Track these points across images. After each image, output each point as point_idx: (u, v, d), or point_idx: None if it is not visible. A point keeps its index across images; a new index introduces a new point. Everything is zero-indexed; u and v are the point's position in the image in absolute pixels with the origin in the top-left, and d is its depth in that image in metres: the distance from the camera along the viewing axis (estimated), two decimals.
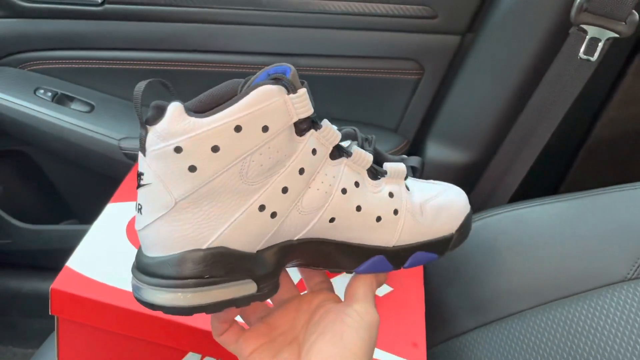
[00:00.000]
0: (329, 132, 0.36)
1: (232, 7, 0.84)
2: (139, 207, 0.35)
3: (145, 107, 0.32)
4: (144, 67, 0.87)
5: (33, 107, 0.85)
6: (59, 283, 0.53)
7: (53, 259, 0.55)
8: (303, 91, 0.34)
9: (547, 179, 0.94)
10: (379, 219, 0.39)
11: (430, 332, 0.62)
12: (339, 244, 0.38)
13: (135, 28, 0.85)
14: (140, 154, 0.34)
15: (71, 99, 0.87)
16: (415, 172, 0.57)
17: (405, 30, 0.84)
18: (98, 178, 0.87)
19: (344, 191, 0.37)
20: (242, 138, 0.32)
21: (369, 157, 0.39)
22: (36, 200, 1.01)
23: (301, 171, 0.35)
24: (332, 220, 0.37)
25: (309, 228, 0.37)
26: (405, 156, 0.59)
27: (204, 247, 0.34)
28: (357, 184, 0.38)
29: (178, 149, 0.32)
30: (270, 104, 0.33)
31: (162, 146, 0.32)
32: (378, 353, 0.55)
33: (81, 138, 0.85)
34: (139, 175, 0.34)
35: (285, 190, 0.35)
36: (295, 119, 0.34)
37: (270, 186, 0.34)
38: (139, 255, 0.36)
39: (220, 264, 0.34)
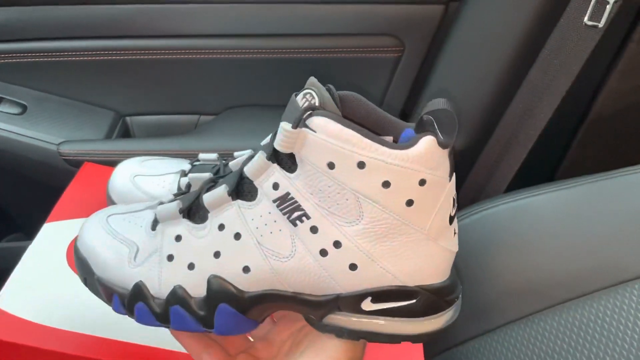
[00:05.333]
0: None
1: None
2: None
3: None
4: (82, 58, 0.82)
5: None
6: None
7: None
8: None
9: (545, 159, 0.92)
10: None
11: (427, 342, 0.60)
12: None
13: (68, 13, 0.79)
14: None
15: None
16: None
17: (381, 1, 0.80)
18: (41, 187, 0.82)
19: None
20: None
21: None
22: None
23: None
24: None
25: None
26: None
27: None
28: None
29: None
30: None
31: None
32: None
33: (13, 144, 0.78)
34: None
35: None
36: None
37: None
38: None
39: None
